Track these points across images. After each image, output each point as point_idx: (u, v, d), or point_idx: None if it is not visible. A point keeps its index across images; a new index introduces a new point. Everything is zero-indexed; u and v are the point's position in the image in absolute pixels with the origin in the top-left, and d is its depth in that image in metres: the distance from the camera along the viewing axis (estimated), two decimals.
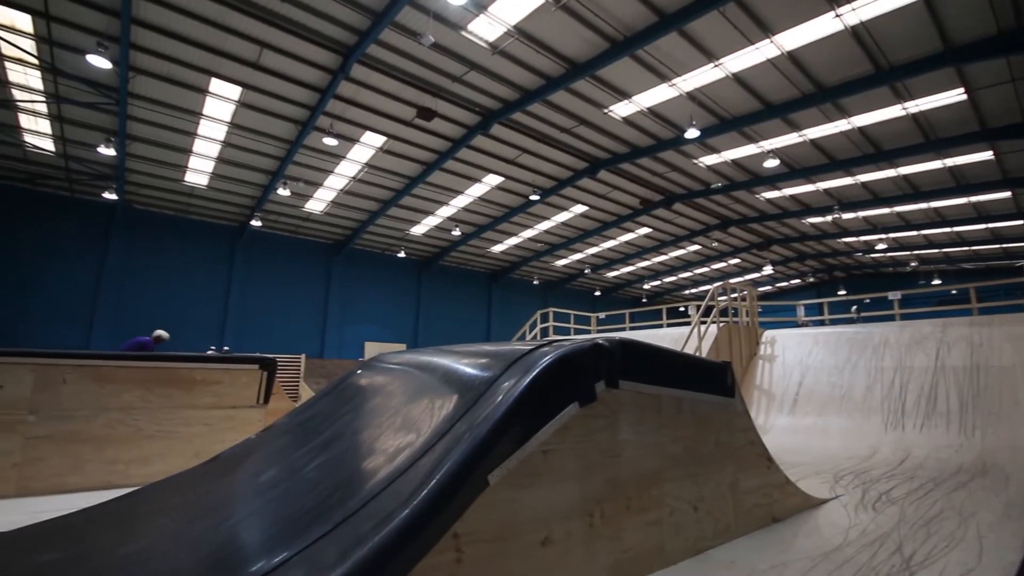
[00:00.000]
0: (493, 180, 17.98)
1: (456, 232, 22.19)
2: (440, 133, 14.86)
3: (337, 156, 15.83)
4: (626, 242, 25.30)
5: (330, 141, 14.05)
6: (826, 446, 6.03)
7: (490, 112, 13.89)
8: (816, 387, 7.34)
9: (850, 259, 29.08)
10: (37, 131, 13.82)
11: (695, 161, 16.66)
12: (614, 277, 32.00)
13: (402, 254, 24.75)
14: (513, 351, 2.40)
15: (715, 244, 26.18)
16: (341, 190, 18.21)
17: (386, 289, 24.97)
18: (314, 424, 3.17)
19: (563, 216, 21.68)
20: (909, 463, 5.16)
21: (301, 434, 3.13)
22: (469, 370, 2.55)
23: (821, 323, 12.64)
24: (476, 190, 18.74)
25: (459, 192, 18.87)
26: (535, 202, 19.17)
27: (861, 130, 13.91)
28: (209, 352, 12.50)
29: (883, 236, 23.25)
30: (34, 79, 11.69)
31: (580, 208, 20.88)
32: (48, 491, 3.83)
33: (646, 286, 34.12)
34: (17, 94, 12.16)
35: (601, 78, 12.12)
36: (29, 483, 3.81)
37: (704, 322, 8.50)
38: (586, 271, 29.76)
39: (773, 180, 17.44)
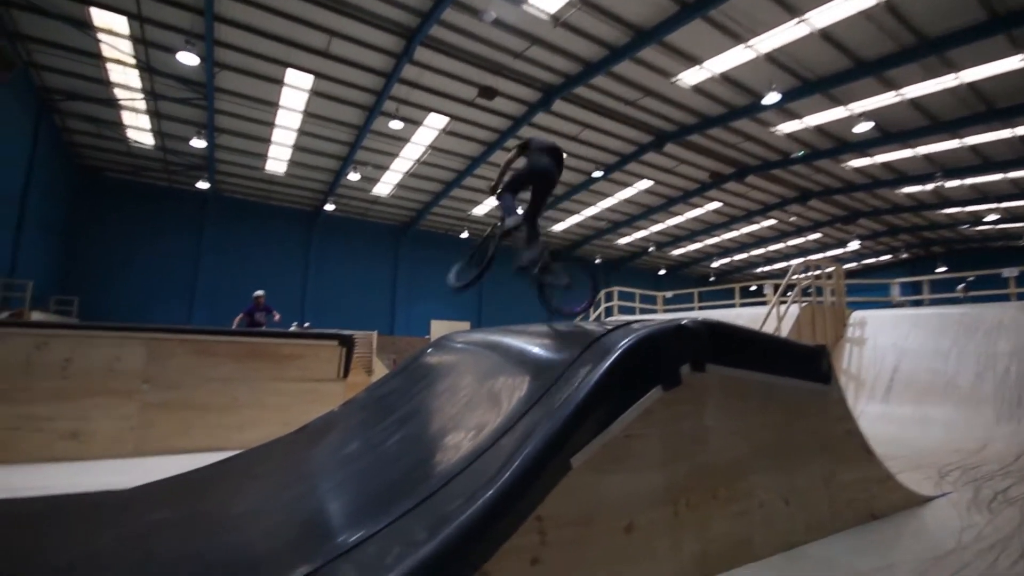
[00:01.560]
0: None
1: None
2: (502, 112, 14.75)
3: (402, 139, 16.15)
4: (694, 218, 24.18)
5: (396, 124, 14.36)
6: (927, 437, 5.51)
7: (552, 88, 13.57)
8: (914, 373, 6.68)
9: (952, 232, 26.14)
10: (138, 127, 15.18)
11: (772, 129, 15.49)
12: (679, 255, 30.77)
13: (465, 234, 25.09)
14: (588, 332, 2.33)
15: (793, 219, 24.42)
16: (406, 173, 18.64)
17: (450, 268, 25.47)
18: (391, 400, 3.27)
19: (627, 192, 20.99)
20: None
21: (379, 410, 3.24)
22: (544, 352, 2.51)
23: (919, 303, 11.52)
24: None
25: None
26: (598, 179, 18.69)
27: (971, 86, 12.30)
28: (292, 328, 13.37)
29: (994, 206, 20.68)
30: (133, 78, 12.77)
31: (645, 184, 20.11)
32: (159, 452, 4.24)
33: (714, 264, 32.55)
34: (119, 92, 13.35)
35: (669, 44, 11.45)
36: (143, 445, 4.25)
37: (784, 301, 7.96)
38: (650, 249, 28.81)
39: (863, 147, 15.91)
